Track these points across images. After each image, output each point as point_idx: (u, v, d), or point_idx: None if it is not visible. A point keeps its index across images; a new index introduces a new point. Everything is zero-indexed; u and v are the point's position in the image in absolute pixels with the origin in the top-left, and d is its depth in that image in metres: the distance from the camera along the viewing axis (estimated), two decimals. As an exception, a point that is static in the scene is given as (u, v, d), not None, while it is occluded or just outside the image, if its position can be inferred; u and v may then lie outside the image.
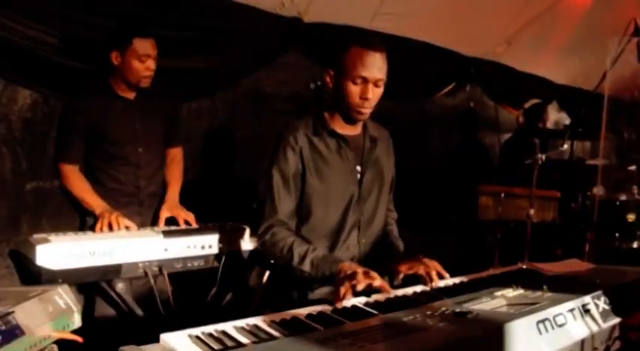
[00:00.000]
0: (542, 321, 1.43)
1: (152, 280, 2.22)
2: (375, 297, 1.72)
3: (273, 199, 2.01)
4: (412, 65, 4.23)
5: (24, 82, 2.80)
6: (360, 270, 1.74)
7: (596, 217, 3.66)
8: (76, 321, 1.84)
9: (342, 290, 1.66)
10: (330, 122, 2.06)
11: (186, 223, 2.61)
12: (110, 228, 2.36)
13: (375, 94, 1.94)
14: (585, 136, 4.52)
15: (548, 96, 5.58)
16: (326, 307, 1.60)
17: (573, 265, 2.31)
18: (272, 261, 2.04)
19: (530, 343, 1.37)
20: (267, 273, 2.62)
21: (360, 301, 1.67)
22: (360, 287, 1.68)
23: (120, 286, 2.17)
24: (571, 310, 1.55)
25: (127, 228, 2.39)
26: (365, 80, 1.91)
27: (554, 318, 1.47)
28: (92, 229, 2.44)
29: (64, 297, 1.85)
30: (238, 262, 2.52)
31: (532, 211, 3.63)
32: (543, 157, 3.59)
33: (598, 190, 5.38)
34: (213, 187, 3.48)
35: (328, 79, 2.01)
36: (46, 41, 2.72)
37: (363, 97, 1.93)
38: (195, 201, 3.20)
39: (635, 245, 4.07)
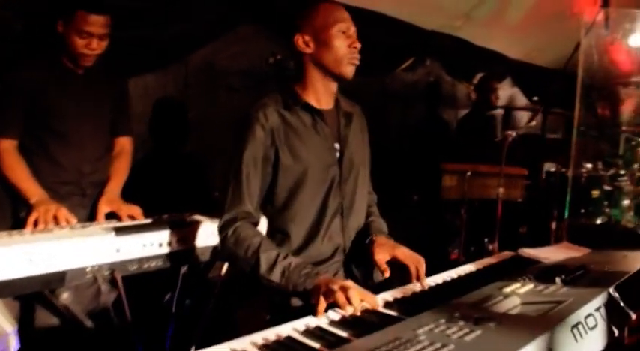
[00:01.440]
0: (576, 325, 1.25)
1: (103, 287, 1.91)
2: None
3: (238, 186, 1.75)
4: (370, 38, 3.98)
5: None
6: (336, 286, 1.47)
7: (570, 193, 3.55)
8: (12, 346, 1.54)
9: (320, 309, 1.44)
10: (303, 95, 1.83)
11: (131, 218, 2.29)
12: (46, 223, 2.04)
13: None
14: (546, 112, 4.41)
15: (503, 71, 5.50)
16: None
17: (567, 250, 2.17)
18: (234, 262, 1.75)
19: (567, 354, 1.18)
20: (226, 265, 2.38)
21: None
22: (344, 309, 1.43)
23: (65, 296, 1.84)
24: (598, 309, 1.37)
25: (67, 222, 2.08)
26: (348, 29, 1.80)
27: (585, 320, 1.29)
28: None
29: (-4, 316, 1.56)
30: (200, 260, 2.24)
31: (502, 190, 3.50)
32: (514, 133, 3.45)
33: (550, 166, 5.37)
34: (163, 174, 3.15)
35: (302, 46, 1.80)
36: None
37: (354, 46, 1.79)
38: (143, 189, 2.88)
39: (599, 221, 4.03)
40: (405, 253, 1.74)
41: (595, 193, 3.92)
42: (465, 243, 3.96)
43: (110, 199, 2.35)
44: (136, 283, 2.06)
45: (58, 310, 1.95)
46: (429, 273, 1.78)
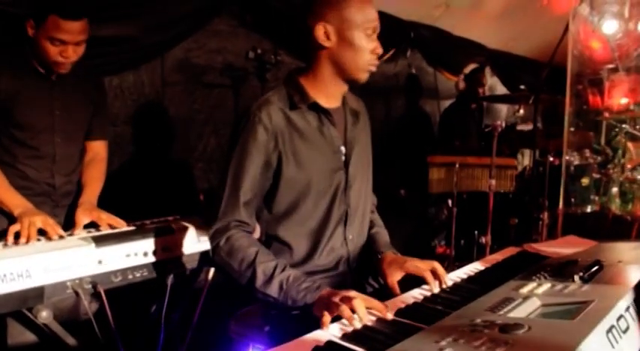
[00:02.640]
0: (610, 330, 1.15)
1: (85, 302, 1.77)
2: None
3: (235, 192, 1.60)
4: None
5: None
6: (337, 298, 1.35)
7: (563, 182, 3.49)
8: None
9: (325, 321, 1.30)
10: (310, 91, 1.67)
11: (111, 227, 2.10)
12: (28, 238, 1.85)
13: None
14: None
15: (483, 61, 5.45)
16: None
17: (573, 243, 2.09)
18: (227, 273, 1.60)
19: (605, 363, 1.08)
20: (212, 270, 2.25)
21: (371, 318, 1.32)
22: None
23: (44, 315, 1.69)
24: (627, 309, 1.28)
25: (61, 237, 1.90)
26: (375, 31, 1.61)
27: (617, 323, 1.19)
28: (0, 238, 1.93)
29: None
30: (188, 268, 2.11)
31: (493, 182, 3.42)
32: (503, 123, 3.38)
33: (524, 159, 5.34)
34: (143, 177, 3.00)
35: (322, 37, 1.61)
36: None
37: (377, 52, 1.62)
38: (123, 194, 2.73)
39: (588, 209, 3.99)
40: (416, 267, 1.61)
41: (585, 182, 3.87)
42: (455, 237, 3.87)
43: (87, 208, 2.15)
44: (118, 294, 1.93)
45: (35, 327, 1.80)
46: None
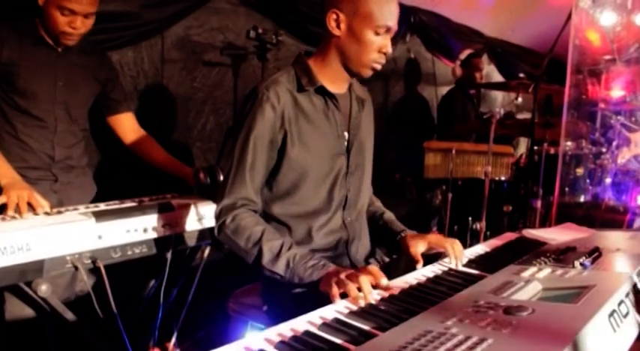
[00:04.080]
0: (612, 314, 1.16)
1: (85, 276, 1.76)
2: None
3: (241, 170, 1.59)
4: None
5: None
6: (344, 275, 1.36)
7: (559, 170, 3.51)
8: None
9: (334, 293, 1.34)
10: (318, 74, 1.66)
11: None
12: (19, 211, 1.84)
13: None
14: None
15: (481, 48, 5.44)
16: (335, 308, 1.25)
17: (571, 231, 2.11)
18: (233, 251, 1.61)
19: (607, 346, 1.09)
20: (208, 248, 2.26)
21: (375, 298, 1.33)
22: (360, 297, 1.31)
23: (43, 289, 1.68)
24: (627, 295, 1.29)
25: (47, 213, 1.88)
26: (388, 31, 1.58)
27: (619, 308, 1.21)
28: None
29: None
30: (187, 245, 2.11)
31: (490, 168, 3.44)
32: (502, 111, 3.38)
33: (519, 147, 5.35)
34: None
35: (332, 24, 1.60)
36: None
37: (384, 51, 1.59)
38: (120, 172, 2.72)
39: (582, 199, 4.02)
40: (439, 239, 1.68)
41: (579, 171, 3.90)
42: (450, 223, 3.89)
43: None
44: (116, 269, 1.92)
45: (34, 302, 1.79)
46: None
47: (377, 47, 1.58)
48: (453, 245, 1.64)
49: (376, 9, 1.55)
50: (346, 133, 1.72)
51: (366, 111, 1.82)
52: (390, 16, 1.56)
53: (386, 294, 1.34)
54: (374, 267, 1.40)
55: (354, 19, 1.57)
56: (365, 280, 1.32)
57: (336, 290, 1.32)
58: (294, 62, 1.71)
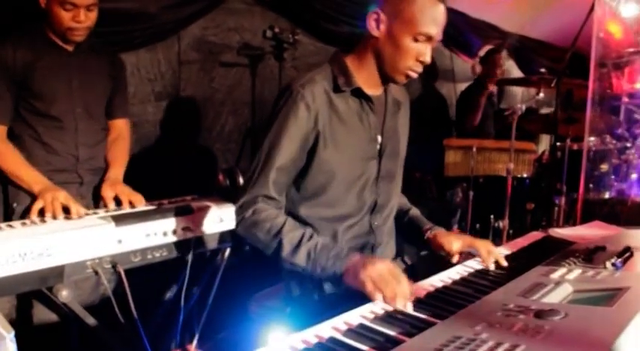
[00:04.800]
0: (649, 319, 1.11)
1: (105, 281, 1.75)
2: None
3: (267, 169, 1.54)
4: (364, 10, 3.81)
5: None
6: (385, 274, 1.31)
7: (584, 166, 3.43)
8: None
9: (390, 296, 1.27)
10: (355, 73, 1.60)
11: (131, 205, 2.10)
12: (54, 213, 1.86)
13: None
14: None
15: (500, 43, 5.36)
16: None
17: (598, 229, 2.05)
18: (253, 245, 1.56)
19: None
20: (228, 250, 2.23)
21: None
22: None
23: (64, 294, 1.67)
24: (664, 298, 1.24)
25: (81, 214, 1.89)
26: (429, 39, 1.49)
27: (656, 312, 1.16)
28: (22, 217, 1.93)
29: (-9, 321, 1.39)
30: (208, 248, 2.09)
31: (512, 166, 3.37)
32: (523, 107, 3.31)
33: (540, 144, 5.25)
34: (160, 157, 2.97)
35: (372, 24, 1.53)
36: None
37: (421, 60, 1.51)
38: (139, 174, 2.71)
39: (606, 196, 3.93)
40: (472, 241, 1.67)
41: (604, 167, 3.82)
42: (472, 221, 3.83)
43: (113, 182, 2.17)
44: (137, 273, 1.91)
45: (56, 307, 1.79)
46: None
47: (414, 54, 1.50)
48: (488, 248, 1.62)
49: (419, 15, 1.46)
50: (379, 137, 1.67)
51: (402, 113, 1.77)
52: (432, 24, 1.47)
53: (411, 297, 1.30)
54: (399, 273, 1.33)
55: (395, 22, 1.49)
56: (404, 290, 1.27)
57: (373, 289, 1.27)
58: (330, 60, 1.66)
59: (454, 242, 1.67)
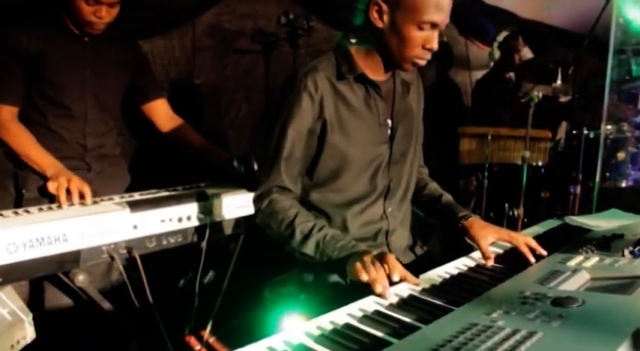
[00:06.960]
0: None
1: (121, 266, 1.76)
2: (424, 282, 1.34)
3: (277, 160, 1.55)
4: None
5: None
6: (369, 258, 1.32)
7: (600, 154, 3.38)
8: (29, 333, 1.41)
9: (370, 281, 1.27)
10: (359, 61, 1.59)
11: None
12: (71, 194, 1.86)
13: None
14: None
15: (516, 29, 5.29)
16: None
17: (617, 217, 2.03)
18: (269, 235, 1.59)
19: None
20: (242, 237, 2.24)
21: (413, 288, 1.29)
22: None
23: (81, 279, 1.69)
24: (683, 285, 1.23)
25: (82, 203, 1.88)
26: (434, 26, 1.45)
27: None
28: (31, 203, 1.92)
29: (9, 304, 1.42)
30: (223, 234, 2.10)
31: (528, 154, 3.33)
32: (540, 94, 3.26)
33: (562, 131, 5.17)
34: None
35: (374, 16, 1.50)
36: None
37: (428, 47, 1.47)
38: (153, 161, 2.72)
39: (623, 184, 3.88)
40: (511, 235, 1.61)
41: (620, 156, 3.76)
42: (486, 209, 3.81)
43: None
44: (152, 258, 1.93)
45: (72, 292, 1.81)
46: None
47: (420, 42, 1.47)
48: (527, 243, 1.58)
49: (420, 3, 1.42)
50: (389, 121, 1.66)
51: (412, 94, 1.75)
52: (435, 11, 1.42)
53: (427, 285, 1.29)
54: (393, 259, 1.33)
55: (397, 12, 1.46)
56: (380, 271, 1.27)
57: (364, 276, 1.27)
58: (335, 48, 1.65)
59: (489, 237, 1.61)
